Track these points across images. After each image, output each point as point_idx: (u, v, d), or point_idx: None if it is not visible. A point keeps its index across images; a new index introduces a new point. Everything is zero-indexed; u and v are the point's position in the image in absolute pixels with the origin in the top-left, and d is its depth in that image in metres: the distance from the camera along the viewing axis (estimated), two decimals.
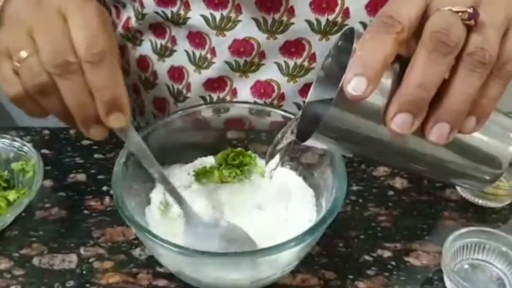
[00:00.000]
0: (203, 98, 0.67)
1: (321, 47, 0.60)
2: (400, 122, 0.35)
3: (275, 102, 0.66)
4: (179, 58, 0.64)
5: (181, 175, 0.55)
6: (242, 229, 0.51)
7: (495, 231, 0.51)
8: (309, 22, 0.59)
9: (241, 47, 0.61)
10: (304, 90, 0.64)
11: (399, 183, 0.62)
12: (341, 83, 0.35)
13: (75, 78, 0.39)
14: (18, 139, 0.60)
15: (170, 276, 0.51)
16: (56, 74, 0.39)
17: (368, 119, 0.37)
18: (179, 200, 0.49)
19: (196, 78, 0.65)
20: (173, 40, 0.63)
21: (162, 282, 0.52)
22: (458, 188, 0.61)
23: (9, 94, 0.42)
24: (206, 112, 0.57)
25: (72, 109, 0.41)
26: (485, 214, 0.58)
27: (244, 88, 0.65)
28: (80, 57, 0.39)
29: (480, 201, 0.59)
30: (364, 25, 0.58)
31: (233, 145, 0.59)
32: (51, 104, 0.41)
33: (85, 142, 0.67)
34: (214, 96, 0.66)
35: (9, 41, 0.41)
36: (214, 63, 0.63)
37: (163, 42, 0.64)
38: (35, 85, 0.40)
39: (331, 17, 0.58)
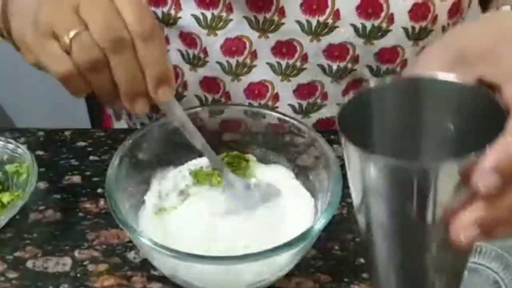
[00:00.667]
0: (198, 98, 0.67)
1: (313, 47, 0.60)
2: (469, 237, 0.29)
3: (270, 103, 0.65)
4: (172, 58, 0.64)
5: (176, 176, 0.54)
6: (272, 185, 0.53)
7: None
8: (299, 23, 0.59)
9: (233, 46, 0.61)
10: (298, 90, 0.64)
11: None
12: (463, 162, 0.29)
13: (128, 53, 0.40)
14: (12, 140, 0.60)
15: (164, 279, 0.51)
16: (109, 50, 0.40)
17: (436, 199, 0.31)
18: (221, 168, 0.51)
19: (192, 76, 0.65)
20: (166, 40, 0.63)
21: (156, 285, 0.51)
22: None
23: (58, 72, 0.42)
24: (202, 114, 0.57)
25: (121, 84, 0.41)
26: None
27: (237, 91, 0.65)
28: (133, 33, 0.40)
29: None
30: (354, 27, 0.58)
31: (229, 147, 0.58)
32: (99, 80, 0.42)
33: (80, 143, 0.67)
34: (209, 98, 0.66)
35: (54, 20, 0.41)
36: (208, 61, 0.63)
37: None
38: (87, 61, 0.40)
39: (321, 19, 0.58)
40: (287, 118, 0.55)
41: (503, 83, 0.36)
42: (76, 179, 0.62)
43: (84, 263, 0.53)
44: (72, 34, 0.40)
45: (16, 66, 1.47)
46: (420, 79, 0.38)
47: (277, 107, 0.66)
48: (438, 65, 0.40)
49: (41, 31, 0.41)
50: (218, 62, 0.62)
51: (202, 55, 0.62)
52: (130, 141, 0.51)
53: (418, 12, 0.57)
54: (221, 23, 0.59)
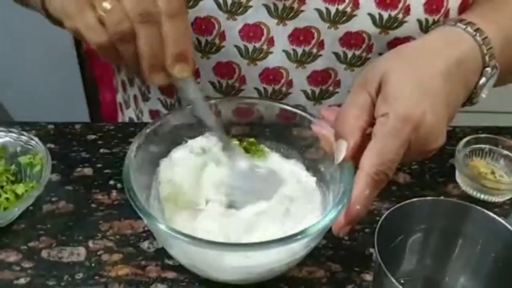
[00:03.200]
0: (212, 83, 0.67)
1: (330, 35, 0.61)
2: None
3: (283, 89, 0.67)
4: None
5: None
6: (273, 170, 0.55)
7: None
8: (319, 10, 0.60)
9: (251, 32, 0.62)
10: (312, 76, 0.65)
11: (402, 178, 0.63)
12: None
13: (153, 27, 0.44)
14: (25, 133, 0.60)
15: (179, 269, 0.52)
16: (138, 22, 0.44)
17: None
18: (229, 148, 0.53)
19: (205, 63, 0.66)
20: None
21: (171, 274, 0.52)
22: (460, 182, 0.62)
23: (94, 42, 0.46)
24: (212, 107, 0.57)
25: (144, 55, 0.45)
26: (486, 209, 0.58)
27: (253, 75, 0.66)
28: (161, 9, 0.44)
29: (482, 196, 0.60)
30: (372, 17, 0.59)
31: (239, 140, 0.59)
32: (127, 50, 0.46)
33: (90, 136, 0.67)
34: (223, 82, 0.67)
35: None
36: (223, 46, 0.63)
37: None
38: (118, 32, 0.44)
39: (341, 7, 0.59)
40: (297, 111, 0.56)
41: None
42: (88, 171, 0.63)
43: (98, 253, 0.54)
44: (107, 6, 0.44)
45: (14, 62, 1.48)
46: (470, 207, 0.46)
47: (290, 93, 0.67)
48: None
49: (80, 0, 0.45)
50: (235, 46, 0.63)
51: (217, 41, 0.63)
52: (147, 130, 0.52)
53: (433, 5, 0.59)
54: (241, 9, 0.60)
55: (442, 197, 0.48)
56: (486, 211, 0.45)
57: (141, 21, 0.44)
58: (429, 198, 0.47)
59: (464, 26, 0.52)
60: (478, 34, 0.52)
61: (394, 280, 0.40)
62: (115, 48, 0.46)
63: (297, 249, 0.47)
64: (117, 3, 0.44)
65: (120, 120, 0.90)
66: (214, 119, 0.52)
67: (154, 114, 0.76)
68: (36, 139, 0.60)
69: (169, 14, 0.44)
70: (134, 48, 0.45)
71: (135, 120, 0.82)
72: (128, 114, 0.85)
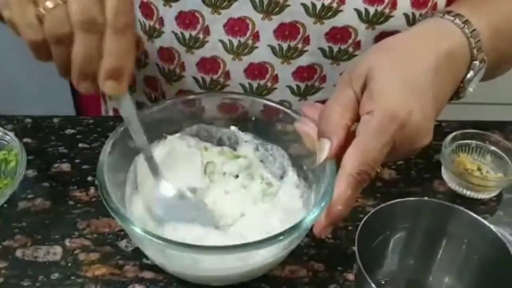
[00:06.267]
0: (195, 79, 0.66)
1: (316, 30, 0.60)
2: None
3: (269, 84, 0.65)
4: (167, 40, 0.64)
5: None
6: (206, 205, 0.52)
7: None
8: (304, 5, 0.58)
9: (236, 26, 0.60)
10: (297, 72, 0.64)
11: (387, 174, 0.62)
12: None
13: (93, 37, 0.41)
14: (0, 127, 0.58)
15: (156, 268, 0.51)
16: (78, 27, 0.40)
17: None
18: (155, 171, 0.50)
19: (189, 58, 0.64)
20: (161, 22, 0.62)
21: (149, 274, 0.51)
22: (445, 179, 0.61)
23: (28, 39, 0.43)
24: (197, 101, 0.56)
25: (75, 61, 0.42)
26: (473, 206, 0.58)
27: (237, 70, 0.64)
28: (108, 21, 0.41)
29: (468, 193, 0.59)
30: (358, 12, 0.58)
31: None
32: (60, 52, 0.42)
33: (69, 131, 0.66)
34: (207, 78, 0.65)
35: None
36: (207, 42, 0.62)
37: (151, 23, 0.63)
38: (55, 35, 0.41)
39: (326, 2, 0.58)
40: (281, 107, 0.55)
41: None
42: (65, 167, 0.61)
43: (75, 252, 0.52)
44: (49, 5, 0.41)
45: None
46: (452, 207, 0.45)
47: (275, 88, 0.66)
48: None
49: None
50: (220, 40, 0.62)
51: (201, 35, 0.61)
52: (122, 128, 0.50)
53: None
54: (225, 3, 0.59)
55: (426, 197, 0.47)
56: (470, 212, 0.44)
57: (83, 28, 0.40)
58: (412, 198, 0.45)
59: (452, 18, 0.51)
60: (466, 27, 0.50)
61: (373, 284, 0.38)
62: (48, 48, 0.42)
63: (277, 250, 0.46)
64: (61, 3, 0.41)
65: (103, 111, 0.88)
66: (145, 141, 0.48)
67: (138, 106, 0.74)
68: (12, 134, 0.58)
69: (114, 28, 0.41)
70: (68, 53, 0.42)
71: (120, 111, 0.80)
72: (111, 105, 0.83)
